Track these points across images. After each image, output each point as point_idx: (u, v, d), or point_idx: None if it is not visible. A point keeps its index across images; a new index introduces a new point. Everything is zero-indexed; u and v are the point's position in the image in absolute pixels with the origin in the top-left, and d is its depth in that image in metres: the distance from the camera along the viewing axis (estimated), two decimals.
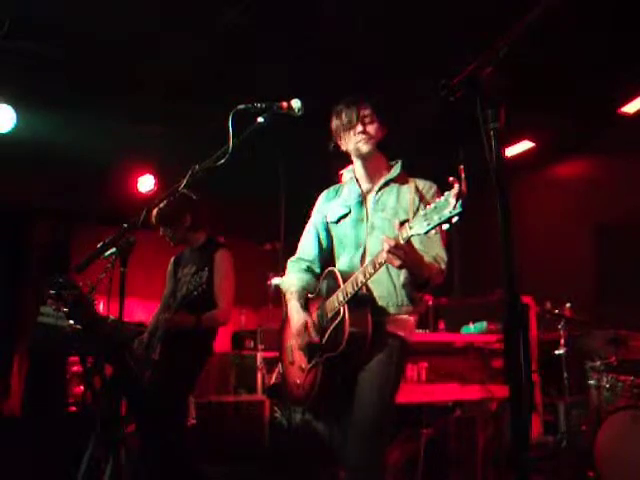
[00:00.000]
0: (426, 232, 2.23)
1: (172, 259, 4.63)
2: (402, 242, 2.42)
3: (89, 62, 5.83)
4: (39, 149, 6.59)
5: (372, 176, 3.05)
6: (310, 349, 2.89)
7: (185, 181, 2.84)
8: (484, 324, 5.33)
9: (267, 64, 5.82)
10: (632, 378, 4.72)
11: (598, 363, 4.95)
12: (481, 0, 4.88)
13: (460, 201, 2.05)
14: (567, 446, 5.14)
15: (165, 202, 4.13)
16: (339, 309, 2.75)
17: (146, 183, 7.83)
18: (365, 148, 2.97)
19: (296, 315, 2.97)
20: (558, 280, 6.85)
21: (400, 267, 2.59)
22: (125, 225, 3.04)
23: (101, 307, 5.02)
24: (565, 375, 5.20)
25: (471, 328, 5.41)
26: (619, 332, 4.85)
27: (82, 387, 5.91)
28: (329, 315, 2.82)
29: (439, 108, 6.10)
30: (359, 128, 2.97)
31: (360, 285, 2.67)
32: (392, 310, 2.86)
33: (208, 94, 6.21)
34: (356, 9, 5.10)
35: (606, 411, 4.64)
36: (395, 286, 2.87)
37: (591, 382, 4.95)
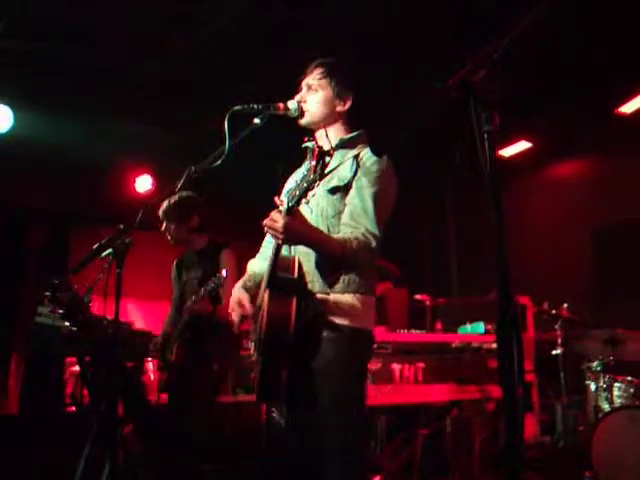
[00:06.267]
0: (291, 206, 2.15)
1: (175, 262, 4.60)
2: (283, 214, 2.19)
3: (86, 62, 5.83)
4: (36, 150, 6.58)
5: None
6: (255, 342, 2.60)
7: (181, 182, 2.84)
8: (481, 324, 5.32)
9: (267, 64, 5.83)
10: (629, 378, 4.71)
11: (595, 363, 4.94)
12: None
13: (316, 173, 2.06)
14: (564, 446, 5.15)
15: (176, 198, 4.17)
16: (263, 295, 2.48)
17: (144, 183, 7.82)
18: (303, 122, 2.70)
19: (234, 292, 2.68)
20: (556, 280, 6.86)
21: (285, 242, 2.32)
22: (121, 226, 3.04)
23: (97, 308, 5.03)
24: (562, 375, 5.21)
25: (468, 328, 5.40)
26: (616, 332, 4.84)
27: (80, 387, 5.91)
28: (258, 304, 2.57)
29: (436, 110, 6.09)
30: (297, 96, 2.70)
31: (271, 266, 2.40)
32: (317, 288, 2.49)
33: (206, 95, 6.21)
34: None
35: (603, 411, 4.64)
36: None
37: (588, 382, 4.94)
